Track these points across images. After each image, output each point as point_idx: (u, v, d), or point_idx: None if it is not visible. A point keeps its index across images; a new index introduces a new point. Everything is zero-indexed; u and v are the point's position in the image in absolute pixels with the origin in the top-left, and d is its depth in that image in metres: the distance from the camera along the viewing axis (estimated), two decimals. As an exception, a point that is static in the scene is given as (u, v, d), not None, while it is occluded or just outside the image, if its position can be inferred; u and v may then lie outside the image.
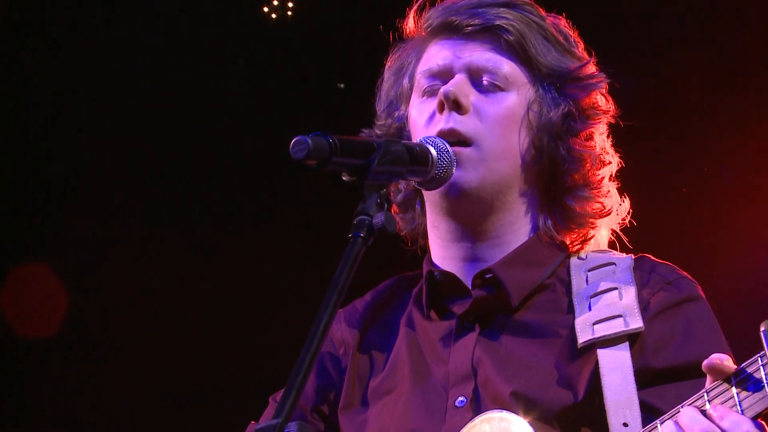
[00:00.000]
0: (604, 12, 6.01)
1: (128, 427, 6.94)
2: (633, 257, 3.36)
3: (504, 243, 3.36)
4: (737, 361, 2.79)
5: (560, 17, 3.50)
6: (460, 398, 3.21)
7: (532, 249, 3.37)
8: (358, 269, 2.71)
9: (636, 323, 3.15)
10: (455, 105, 3.31)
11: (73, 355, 6.92)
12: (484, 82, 3.36)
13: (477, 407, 3.17)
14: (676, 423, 2.80)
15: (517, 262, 3.33)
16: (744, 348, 2.95)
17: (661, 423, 2.85)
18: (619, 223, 3.49)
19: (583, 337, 3.17)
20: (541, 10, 3.48)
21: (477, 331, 3.30)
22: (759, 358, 2.72)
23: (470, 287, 3.35)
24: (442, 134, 3.27)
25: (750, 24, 6.04)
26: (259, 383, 4.48)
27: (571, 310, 3.26)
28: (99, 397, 6.91)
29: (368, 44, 3.67)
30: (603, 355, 3.13)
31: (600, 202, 3.41)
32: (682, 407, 2.81)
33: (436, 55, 3.42)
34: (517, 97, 3.36)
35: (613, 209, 3.44)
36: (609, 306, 3.20)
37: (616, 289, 3.24)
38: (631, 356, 3.12)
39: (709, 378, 2.80)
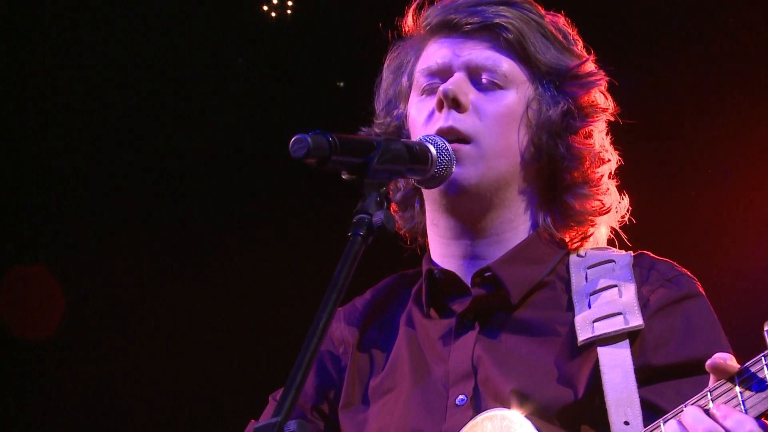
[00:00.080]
0: (603, 9, 6.00)
1: (128, 427, 6.94)
2: (632, 254, 3.36)
3: (503, 240, 3.36)
4: (738, 359, 2.78)
5: (559, 15, 3.50)
6: (461, 397, 3.21)
7: (532, 246, 3.37)
8: (358, 267, 2.70)
9: (636, 321, 3.15)
10: (454, 103, 3.30)
11: (72, 356, 6.92)
12: (483, 81, 3.36)
13: (477, 406, 3.17)
14: (680, 422, 2.80)
15: (517, 260, 3.33)
16: (744, 347, 2.94)
17: (665, 422, 2.84)
18: (618, 221, 3.48)
19: (583, 335, 3.17)
20: (539, 8, 3.48)
21: (477, 330, 3.30)
22: (762, 358, 2.71)
23: (470, 285, 3.35)
24: (441, 132, 3.27)
25: (751, 22, 6.03)
26: (258, 382, 4.46)
27: (570, 308, 3.26)
28: (99, 397, 6.90)
29: (368, 43, 3.67)
30: (603, 353, 3.13)
31: (599, 200, 3.41)
32: (685, 406, 2.81)
33: (435, 53, 3.42)
34: (516, 95, 3.35)
35: (612, 207, 3.44)
36: (609, 303, 3.20)
37: (615, 286, 3.24)
38: (632, 354, 3.12)
39: (712, 377, 2.79)
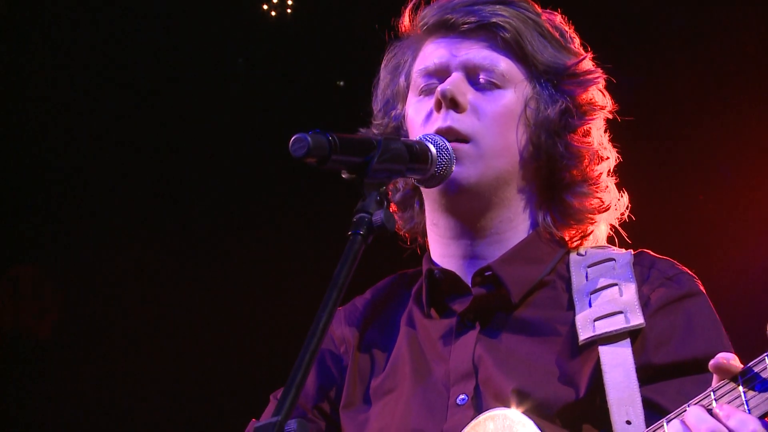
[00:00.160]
0: (599, 5, 5.99)
1: (128, 427, 6.94)
2: (632, 253, 3.36)
3: (503, 240, 3.36)
4: (739, 359, 2.77)
5: (555, 13, 3.50)
6: (461, 396, 3.21)
7: (532, 246, 3.36)
8: (358, 267, 2.69)
9: (637, 319, 3.15)
10: (452, 103, 3.30)
11: (72, 356, 6.91)
12: (481, 80, 3.35)
13: (478, 405, 3.17)
14: (683, 422, 2.79)
15: (517, 259, 3.33)
16: (745, 346, 2.93)
17: (668, 422, 2.84)
18: (617, 218, 3.48)
19: (584, 334, 3.17)
20: (536, 6, 3.47)
21: (477, 329, 3.30)
22: (766, 357, 2.71)
23: (470, 285, 3.34)
24: (440, 132, 3.27)
25: (752, 18, 6.03)
26: (259, 381, 4.46)
27: (571, 307, 3.26)
28: (99, 397, 6.91)
29: (368, 42, 3.66)
30: (604, 352, 3.12)
31: (598, 198, 3.41)
32: (688, 406, 2.80)
33: (433, 53, 3.41)
34: (514, 94, 3.35)
35: (611, 204, 3.44)
36: (609, 302, 3.20)
37: (616, 285, 3.24)
38: (633, 353, 3.12)
39: (715, 377, 2.78)
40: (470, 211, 3.33)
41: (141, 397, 6.90)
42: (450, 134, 3.25)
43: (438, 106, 3.31)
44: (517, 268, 3.31)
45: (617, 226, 3.48)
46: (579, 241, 3.44)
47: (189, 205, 6.98)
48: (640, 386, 3.07)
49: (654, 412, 3.02)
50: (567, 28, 3.47)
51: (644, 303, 3.19)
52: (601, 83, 3.45)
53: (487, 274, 3.32)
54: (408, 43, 3.52)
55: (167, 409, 6.88)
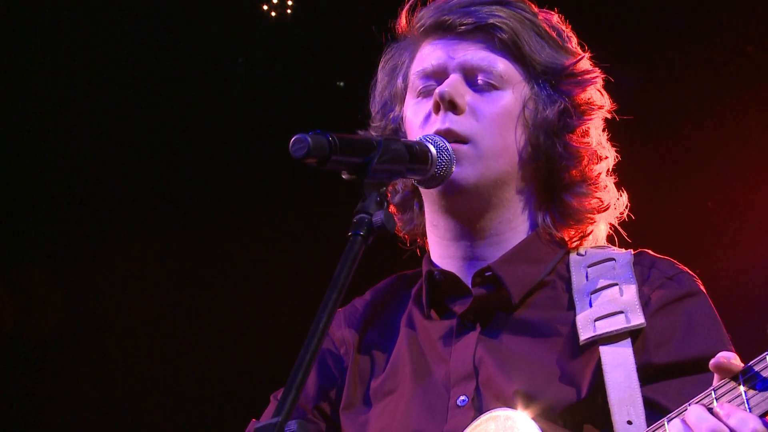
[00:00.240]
0: (596, 3, 6.00)
1: (129, 427, 6.94)
2: (632, 252, 3.36)
3: (503, 241, 3.36)
4: (740, 358, 2.77)
5: (552, 13, 3.50)
6: (462, 397, 3.21)
7: (531, 246, 3.36)
8: (357, 268, 2.69)
9: (637, 319, 3.15)
10: (451, 105, 3.30)
11: (72, 356, 6.91)
12: (479, 82, 3.35)
13: (479, 406, 3.17)
14: (684, 421, 2.79)
15: (517, 260, 3.33)
16: (746, 346, 2.93)
17: (668, 421, 2.84)
18: (617, 218, 3.47)
19: (584, 334, 3.17)
20: (533, 6, 3.47)
21: (478, 330, 3.30)
22: (767, 356, 2.70)
23: (470, 286, 3.34)
24: (439, 134, 3.26)
25: (751, 20, 6.03)
26: (259, 381, 4.46)
27: (571, 307, 3.26)
28: (99, 397, 6.90)
29: (368, 42, 3.66)
30: (605, 352, 3.13)
31: (598, 198, 3.41)
32: (689, 405, 2.79)
33: (430, 55, 3.41)
34: (513, 95, 3.35)
35: (611, 204, 3.43)
36: (610, 302, 3.20)
37: (616, 285, 3.24)
38: (634, 353, 3.12)
39: (716, 376, 2.78)
40: (470, 211, 3.33)
41: (141, 398, 6.90)
42: (449, 136, 3.25)
43: (437, 108, 3.31)
44: (517, 268, 3.31)
45: (617, 225, 3.48)
46: (579, 241, 3.44)
47: (189, 205, 6.97)
48: (641, 386, 3.07)
49: (655, 411, 3.02)
50: (564, 28, 3.47)
51: (645, 303, 3.19)
52: (600, 83, 3.45)
53: (487, 274, 3.32)
54: (405, 45, 3.52)
55: (167, 410, 6.88)
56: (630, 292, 3.20)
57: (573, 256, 3.38)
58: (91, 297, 6.91)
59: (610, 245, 3.47)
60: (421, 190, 3.41)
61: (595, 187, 3.40)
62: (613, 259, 3.32)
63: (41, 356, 6.95)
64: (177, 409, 6.89)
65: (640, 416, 3.02)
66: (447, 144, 3.19)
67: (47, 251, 6.95)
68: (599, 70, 3.45)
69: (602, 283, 3.25)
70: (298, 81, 6.82)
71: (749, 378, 2.72)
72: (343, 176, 2.88)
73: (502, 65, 3.35)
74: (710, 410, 2.75)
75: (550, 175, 3.38)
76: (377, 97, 3.57)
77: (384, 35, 3.59)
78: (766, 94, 5.98)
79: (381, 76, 3.56)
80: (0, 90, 6.82)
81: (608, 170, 3.45)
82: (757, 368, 2.71)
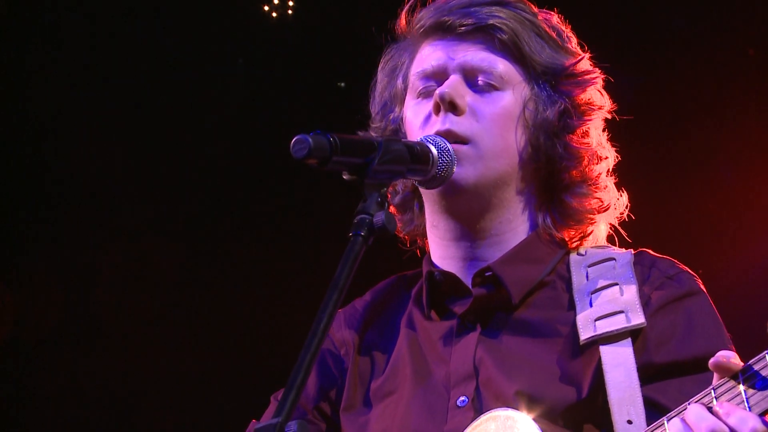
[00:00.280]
0: (598, 5, 6.00)
1: (128, 428, 6.94)
2: (632, 252, 3.36)
3: (503, 241, 3.36)
4: (740, 357, 2.78)
5: (552, 13, 3.50)
6: (462, 398, 3.21)
7: (532, 246, 3.37)
8: (357, 269, 2.69)
9: (638, 319, 3.15)
10: (451, 106, 3.30)
11: (71, 356, 6.91)
12: (480, 82, 3.35)
13: (479, 407, 3.17)
14: (683, 420, 2.80)
15: (517, 260, 3.33)
16: (746, 344, 2.94)
17: (668, 420, 2.84)
18: (617, 218, 3.47)
19: (585, 333, 3.17)
20: (532, 6, 3.47)
21: (478, 331, 3.30)
22: (766, 355, 2.71)
23: (470, 286, 3.34)
24: (440, 135, 3.26)
25: (751, 20, 6.03)
26: (260, 382, 4.46)
27: (572, 307, 3.26)
28: (99, 397, 6.90)
29: (369, 43, 3.66)
30: (605, 351, 3.13)
31: (598, 198, 3.41)
32: (689, 404, 2.80)
33: (430, 55, 3.41)
34: (513, 96, 3.35)
35: (611, 204, 3.44)
36: (610, 302, 3.20)
37: (616, 284, 3.24)
38: (634, 352, 3.12)
39: (716, 375, 2.79)
40: (470, 212, 3.34)
41: (141, 399, 6.90)
42: (449, 137, 3.25)
43: (437, 109, 3.31)
44: (517, 268, 3.32)
45: (617, 225, 3.48)
46: (579, 242, 3.44)
47: (189, 205, 6.98)
48: (642, 385, 3.07)
49: (655, 411, 3.02)
50: (564, 28, 3.47)
51: (645, 302, 3.19)
52: (600, 83, 3.45)
53: (487, 274, 3.32)
54: (404, 45, 3.52)
55: (167, 410, 6.88)
56: (630, 292, 3.20)
57: (573, 256, 3.39)
58: (90, 297, 6.92)
59: (610, 245, 3.47)
60: (422, 190, 3.41)
61: (595, 188, 3.40)
62: (614, 259, 3.32)
63: (41, 356, 6.95)
64: (177, 409, 6.89)
65: (640, 416, 3.02)
66: (448, 145, 3.20)
67: (47, 251, 6.95)
68: (599, 71, 3.45)
69: (602, 282, 3.25)
70: (298, 81, 6.83)
71: (749, 377, 2.72)
72: (344, 177, 2.88)
73: (502, 66, 3.35)
74: (710, 409, 2.75)
75: (551, 176, 3.38)
76: (377, 97, 3.57)
77: (384, 36, 3.59)
78: (766, 95, 5.98)
79: (381, 76, 3.56)
80: (0, 90, 6.83)
81: (608, 170, 3.45)
82: (756, 367, 2.71)
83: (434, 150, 3.14)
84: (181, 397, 6.89)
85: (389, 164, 2.90)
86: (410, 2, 3.51)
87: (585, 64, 3.43)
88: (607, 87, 3.48)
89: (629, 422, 3.02)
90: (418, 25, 3.46)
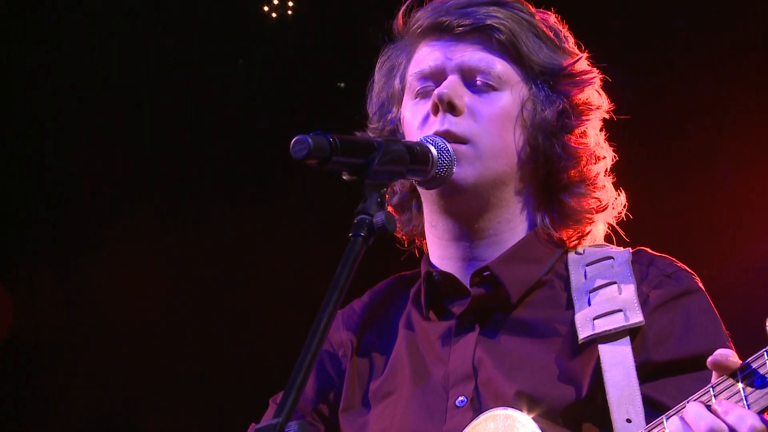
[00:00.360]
0: (596, 5, 6.00)
1: (127, 427, 6.94)
2: (630, 251, 3.36)
3: (501, 241, 3.36)
4: (739, 355, 2.79)
5: (549, 13, 3.49)
6: (461, 398, 3.21)
7: (530, 246, 3.37)
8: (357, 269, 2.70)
9: (636, 317, 3.15)
10: (450, 107, 3.30)
11: (71, 355, 6.92)
12: (478, 83, 3.35)
13: (477, 407, 3.17)
14: (682, 418, 2.80)
15: (515, 259, 3.33)
16: (745, 343, 2.95)
17: (667, 418, 2.85)
18: (615, 217, 3.48)
19: (583, 332, 3.17)
20: (530, 6, 3.47)
21: (477, 331, 3.30)
22: (765, 353, 2.72)
23: (468, 286, 3.34)
24: (437, 135, 3.26)
25: (751, 20, 6.03)
26: (258, 385, 4.47)
27: (570, 306, 3.26)
28: (98, 398, 6.90)
29: (369, 44, 3.66)
30: (604, 350, 3.13)
31: (596, 198, 3.41)
32: (688, 402, 2.80)
33: (428, 56, 3.40)
34: (511, 96, 3.35)
35: (609, 204, 3.43)
36: (608, 301, 3.21)
37: (615, 283, 3.24)
38: (633, 351, 3.13)
39: (714, 373, 2.79)
40: (468, 211, 3.34)
41: (140, 399, 6.90)
42: (448, 137, 3.25)
43: (435, 110, 3.31)
44: (515, 267, 3.32)
45: (615, 225, 3.48)
46: (577, 241, 3.43)
47: (190, 206, 6.98)
48: (641, 384, 3.08)
49: (654, 409, 3.02)
50: (561, 28, 3.47)
51: (643, 301, 3.19)
52: (597, 83, 3.45)
53: (485, 274, 3.32)
54: (402, 46, 3.51)
55: (166, 414, 6.89)
56: (628, 291, 3.20)
57: (571, 255, 3.38)
58: (90, 297, 6.92)
59: (608, 244, 3.47)
60: (420, 190, 3.41)
61: (594, 187, 3.40)
62: (612, 258, 3.32)
63: (41, 356, 6.96)
64: (176, 410, 6.89)
65: (639, 414, 3.02)
66: (447, 145, 3.20)
67: (47, 251, 6.95)
68: (597, 70, 3.45)
69: (601, 281, 3.25)
70: (298, 82, 6.83)
71: (747, 375, 2.73)
72: (344, 177, 2.89)
73: (500, 66, 3.35)
74: (708, 407, 2.76)
75: (549, 176, 3.38)
76: (374, 98, 3.56)
77: (382, 36, 3.59)
78: (766, 95, 5.98)
79: (378, 77, 3.56)
80: (0, 90, 6.84)
81: (606, 170, 3.45)
82: (754, 365, 2.72)
83: (434, 150, 3.14)
84: (180, 397, 6.90)
85: (389, 164, 2.91)
86: (408, 2, 3.51)
87: (583, 64, 3.43)
88: (605, 87, 3.48)
89: (628, 421, 3.02)
90: (415, 26, 3.45)
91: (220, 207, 6.97)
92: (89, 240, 6.93)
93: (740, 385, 2.74)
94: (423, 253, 3.51)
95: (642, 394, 3.06)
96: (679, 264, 3.33)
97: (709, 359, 2.77)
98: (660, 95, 6.14)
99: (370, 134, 3.52)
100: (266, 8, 6.83)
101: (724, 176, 6.04)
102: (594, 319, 3.18)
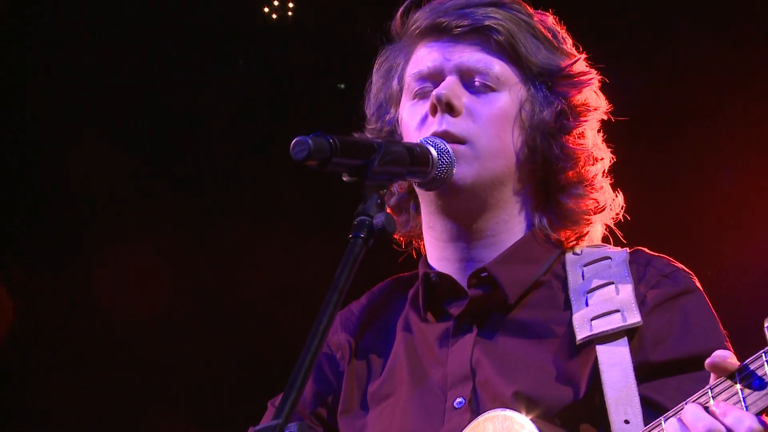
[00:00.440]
0: (594, 5, 6.01)
1: (128, 427, 6.95)
2: (628, 251, 3.36)
3: (499, 242, 3.36)
4: (737, 356, 2.79)
5: (547, 14, 3.50)
6: (459, 399, 3.22)
7: (527, 246, 3.37)
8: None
9: (634, 318, 3.16)
10: (448, 107, 3.30)
11: (71, 355, 6.92)
12: (476, 83, 3.35)
13: (475, 408, 3.18)
14: (680, 420, 2.81)
15: (512, 260, 3.33)
16: (744, 343, 2.95)
17: (665, 420, 2.85)
18: (612, 218, 3.48)
19: (581, 333, 3.18)
20: (528, 7, 3.47)
21: (475, 332, 3.30)
22: (763, 354, 2.72)
23: (466, 287, 3.34)
24: (436, 136, 3.26)
25: (747, 19, 6.04)
26: (256, 388, 4.48)
27: (568, 307, 3.26)
28: (97, 398, 6.90)
29: (368, 45, 3.67)
30: (602, 351, 3.14)
31: (594, 199, 3.41)
32: (686, 404, 2.81)
33: (426, 57, 3.41)
34: (509, 96, 3.35)
35: (607, 205, 3.44)
36: (606, 301, 3.21)
37: (612, 283, 3.24)
38: (630, 351, 3.13)
39: (713, 375, 2.80)
40: (467, 212, 3.34)
41: (140, 399, 6.90)
42: (446, 137, 3.25)
43: (433, 110, 3.32)
44: (513, 268, 3.32)
45: (612, 226, 3.49)
46: (575, 242, 3.43)
47: (190, 206, 6.98)
48: (639, 384, 3.08)
49: (652, 410, 3.03)
50: (559, 29, 3.47)
51: (641, 301, 3.20)
52: (595, 84, 3.45)
53: (482, 275, 3.32)
54: (400, 47, 3.51)
55: (166, 414, 6.89)
56: (626, 291, 3.21)
57: (569, 256, 3.39)
58: (90, 296, 6.92)
59: (606, 244, 3.47)
60: (418, 191, 3.42)
61: (591, 189, 3.40)
62: (609, 258, 3.32)
63: (41, 356, 6.96)
64: (176, 410, 6.89)
65: (638, 415, 3.03)
66: (447, 146, 3.20)
67: (47, 251, 6.95)
68: (595, 71, 3.46)
69: (598, 282, 3.26)
70: (298, 83, 6.83)
71: (745, 376, 2.73)
72: (344, 178, 2.90)
73: (498, 67, 3.36)
74: (706, 409, 2.77)
75: (547, 176, 3.39)
76: (372, 99, 3.56)
77: (380, 37, 3.59)
78: (765, 94, 5.98)
79: (376, 78, 3.56)
80: (0, 90, 6.85)
81: (604, 172, 3.45)
82: (752, 367, 2.73)
83: (434, 152, 3.15)
84: (180, 397, 6.90)
85: (389, 166, 2.92)
86: (406, 3, 3.51)
87: (581, 65, 3.43)
88: (603, 88, 3.49)
89: (626, 422, 3.02)
90: (413, 27, 3.45)
91: (219, 207, 6.97)
92: (89, 240, 6.93)
93: (738, 387, 2.75)
94: (421, 254, 3.51)
95: (640, 394, 3.06)
96: (677, 264, 3.33)
97: (707, 361, 2.77)
98: (658, 96, 6.14)
99: (368, 135, 3.53)
100: (266, 9, 6.83)
101: (722, 177, 6.04)
102: (591, 319, 3.18)
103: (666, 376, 3.12)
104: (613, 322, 3.16)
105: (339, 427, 3.41)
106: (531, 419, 3.02)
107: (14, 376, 7.03)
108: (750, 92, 5.98)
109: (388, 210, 3.51)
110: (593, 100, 3.44)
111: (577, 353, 3.18)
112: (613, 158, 3.48)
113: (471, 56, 3.36)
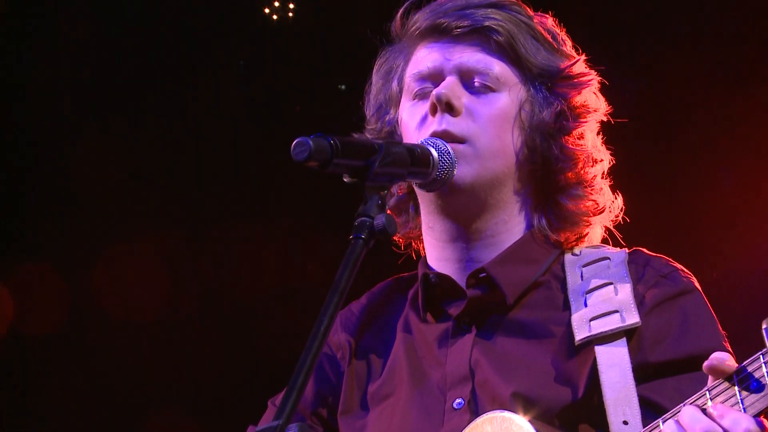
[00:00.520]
0: (594, 7, 6.01)
1: (128, 427, 6.95)
2: (627, 251, 3.36)
3: (498, 242, 3.36)
4: (736, 358, 2.80)
5: (547, 15, 3.50)
6: (458, 400, 3.22)
7: (526, 246, 3.37)
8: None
9: (632, 318, 3.16)
10: (448, 107, 3.31)
11: (71, 355, 6.92)
12: (476, 84, 3.36)
13: (475, 409, 3.18)
14: (678, 422, 2.81)
15: (511, 260, 3.34)
16: (742, 344, 2.96)
17: (663, 422, 2.86)
18: (612, 220, 3.48)
19: (580, 334, 3.18)
20: (528, 9, 3.48)
21: (474, 333, 3.31)
22: (761, 356, 2.72)
23: (465, 288, 3.35)
24: (436, 136, 3.27)
25: (746, 19, 6.04)
26: (256, 387, 4.48)
27: (566, 307, 3.27)
28: (97, 398, 6.91)
29: (369, 46, 3.67)
30: (600, 351, 3.14)
31: (593, 200, 3.41)
32: (683, 406, 2.82)
33: (426, 57, 3.41)
34: (509, 97, 3.36)
35: (606, 206, 3.44)
36: (605, 302, 3.21)
37: (611, 284, 3.24)
38: (629, 352, 3.13)
39: (711, 376, 2.80)
40: (466, 212, 3.34)
41: (140, 399, 6.90)
42: (446, 137, 3.26)
43: (433, 110, 3.32)
44: (511, 269, 3.32)
45: (612, 228, 3.49)
46: (574, 243, 3.44)
47: (190, 206, 6.98)
48: (638, 385, 3.08)
49: (651, 410, 3.03)
50: (559, 31, 3.48)
51: (639, 301, 3.20)
52: (595, 85, 3.46)
53: (481, 276, 3.32)
54: (400, 48, 3.52)
55: (166, 414, 6.89)
56: (625, 291, 3.21)
57: (568, 256, 3.39)
58: (91, 296, 6.92)
59: (604, 245, 3.47)
60: (418, 192, 3.42)
61: (591, 190, 3.41)
62: (608, 259, 3.33)
63: (41, 356, 6.96)
64: (176, 410, 6.89)
65: (636, 416, 3.03)
66: (448, 147, 3.21)
67: (47, 251, 6.96)
68: (594, 73, 3.47)
69: (597, 282, 3.26)
70: (299, 84, 6.84)
71: (743, 378, 2.73)
72: (345, 179, 2.90)
73: (498, 67, 3.36)
74: (704, 411, 2.77)
75: (546, 177, 3.39)
76: (372, 100, 3.57)
77: (380, 38, 3.60)
78: (765, 95, 5.99)
79: (376, 79, 3.57)
80: (0, 89, 6.85)
81: (603, 173, 3.46)
82: (750, 369, 2.73)
83: (435, 153, 3.15)
84: (180, 397, 6.90)
85: (390, 167, 2.92)
86: (406, 4, 3.51)
87: (580, 67, 3.44)
88: (603, 89, 3.50)
89: (625, 423, 3.03)
90: (413, 27, 3.46)
91: (220, 208, 6.97)
92: (89, 240, 6.93)
93: (736, 389, 2.75)
94: (420, 255, 3.52)
95: (639, 395, 3.07)
96: (676, 264, 3.33)
97: (705, 363, 2.78)
98: (658, 98, 6.14)
99: (368, 135, 3.53)
100: (267, 10, 6.84)
101: (722, 178, 6.04)
102: (590, 320, 3.18)
103: (665, 377, 3.13)
104: (612, 323, 3.16)
105: (339, 427, 3.42)
106: (529, 420, 3.02)
107: (14, 376, 7.03)
108: (750, 92, 5.98)
109: (388, 211, 3.51)
110: (593, 101, 3.45)
111: (575, 354, 3.18)
112: (612, 160, 3.48)
113: (471, 57, 3.37)
